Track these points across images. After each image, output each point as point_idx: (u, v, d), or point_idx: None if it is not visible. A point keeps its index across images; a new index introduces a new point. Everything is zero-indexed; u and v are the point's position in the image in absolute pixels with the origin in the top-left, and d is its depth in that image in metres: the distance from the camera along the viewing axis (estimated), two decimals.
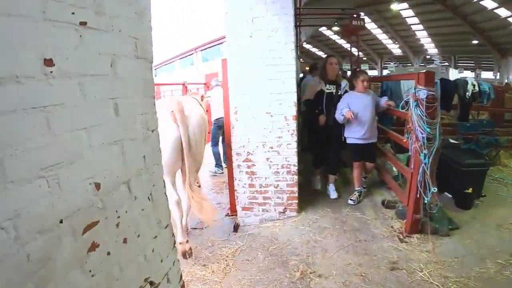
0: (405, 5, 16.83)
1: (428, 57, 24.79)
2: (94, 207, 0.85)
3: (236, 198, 3.25)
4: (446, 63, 23.13)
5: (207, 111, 4.21)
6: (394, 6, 16.03)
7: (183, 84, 5.73)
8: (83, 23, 0.79)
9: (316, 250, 2.71)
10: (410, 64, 24.76)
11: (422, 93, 2.54)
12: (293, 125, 3.07)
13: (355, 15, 9.66)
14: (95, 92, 0.85)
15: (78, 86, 0.79)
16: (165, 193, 1.26)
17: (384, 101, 3.31)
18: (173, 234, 1.33)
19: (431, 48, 23.07)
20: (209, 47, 22.37)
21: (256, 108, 3.03)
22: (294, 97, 3.04)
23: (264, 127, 3.05)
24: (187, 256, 2.70)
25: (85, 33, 0.80)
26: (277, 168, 3.14)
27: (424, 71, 2.70)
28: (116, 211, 0.94)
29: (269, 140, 3.08)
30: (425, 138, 2.53)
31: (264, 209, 3.27)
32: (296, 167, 3.16)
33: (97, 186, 0.88)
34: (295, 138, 3.10)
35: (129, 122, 0.98)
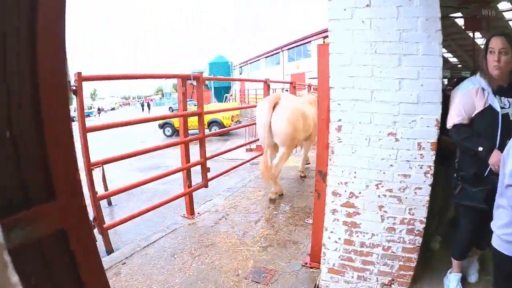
0: (508, 5, 13.17)
1: None
2: None
3: (322, 254, 2.18)
4: None
5: None
6: (502, 5, 12.57)
7: (265, 82, 5.29)
8: None
9: None
10: None
11: None
12: (430, 158, 1.84)
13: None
14: None
15: None
16: None
17: None
18: None
19: None
20: (295, 46, 21.57)
21: (373, 126, 1.90)
22: (437, 111, 1.81)
23: (383, 157, 1.89)
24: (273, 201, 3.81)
25: None
26: (393, 223, 1.96)
27: None
28: None
29: (388, 179, 1.91)
30: None
31: (361, 276, 2.14)
32: (423, 226, 1.93)
33: None
34: (430, 181, 1.87)
35: None
